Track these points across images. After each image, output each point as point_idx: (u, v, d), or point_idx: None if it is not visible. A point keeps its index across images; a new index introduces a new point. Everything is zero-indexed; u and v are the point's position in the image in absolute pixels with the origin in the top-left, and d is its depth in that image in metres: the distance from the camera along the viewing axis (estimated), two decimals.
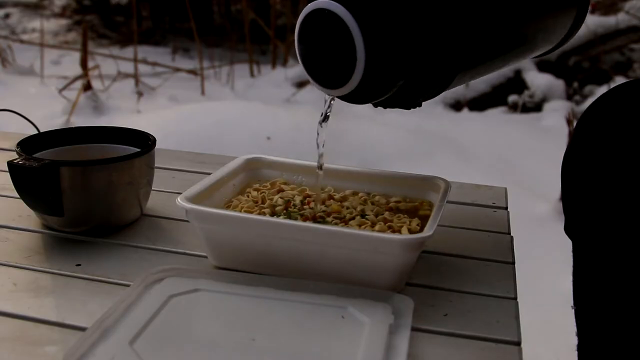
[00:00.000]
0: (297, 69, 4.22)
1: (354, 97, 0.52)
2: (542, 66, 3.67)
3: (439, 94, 0.55)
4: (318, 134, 0.58)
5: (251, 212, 0.60)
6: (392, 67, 0.49)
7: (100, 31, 5.37)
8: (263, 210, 0.61)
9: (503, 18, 0.58)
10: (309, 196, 0.64)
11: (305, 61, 0.53)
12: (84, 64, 3.38)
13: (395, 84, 0.51)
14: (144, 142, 0.69)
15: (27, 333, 0.48)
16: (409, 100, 0.55)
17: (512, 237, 0.67)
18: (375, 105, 0.55)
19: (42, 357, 0.45)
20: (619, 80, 3.32)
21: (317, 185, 0.63)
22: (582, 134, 0.62)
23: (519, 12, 0.60)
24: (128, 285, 0.53)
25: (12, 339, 0.47)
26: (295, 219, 0.59)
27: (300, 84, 4.05)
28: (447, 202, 0.60)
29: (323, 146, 0.59)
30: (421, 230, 0.58)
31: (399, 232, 0.57)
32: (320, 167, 0.61)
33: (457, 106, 3.61)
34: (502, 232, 0.68)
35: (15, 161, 0.59)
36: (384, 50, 0.48)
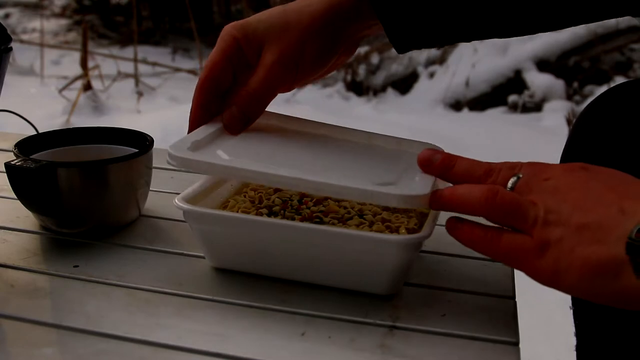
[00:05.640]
0: None
1: None
2: (542, 66, 3.67)
3: None
4: None
5: (248, 213, 0.60)
6: None
7: (100, 31, 5.37)
8: (260, 210, 0.61)
9: None
10: (307, 196, 0.64)
11: None
12: (84, 64, 3.39)
13: None
14: (141, 142, 0.69)
15: (24, 335, 0.48)
16: None
17: None
18: None
19: (40, 359, 0.45)
20: (619, 80, 3.31)
21: None
22: (579, 133, 0.62)
23: None
24: (126, 287, 0.52)
25: (9, 341, 0.47)
26: (293, 219, 0.59)
27: None
28: None
29: None
30: (419, 229, 0.58)
31: (397, 232, 0.57)
32: None
33: (457, 106, 3.61)
34: None
35: (12, 162, 0.58)
36: None
